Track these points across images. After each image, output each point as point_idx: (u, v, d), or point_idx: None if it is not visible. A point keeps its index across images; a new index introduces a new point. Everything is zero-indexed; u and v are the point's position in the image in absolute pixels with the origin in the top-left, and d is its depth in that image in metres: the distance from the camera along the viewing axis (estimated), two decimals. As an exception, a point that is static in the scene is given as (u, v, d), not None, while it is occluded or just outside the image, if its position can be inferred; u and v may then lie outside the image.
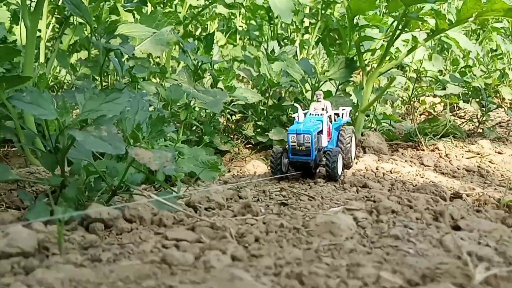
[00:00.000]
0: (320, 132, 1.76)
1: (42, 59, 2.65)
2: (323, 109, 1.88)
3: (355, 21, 2.35)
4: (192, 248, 0.94)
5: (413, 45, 2.28)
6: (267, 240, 1.01)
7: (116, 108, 1.29)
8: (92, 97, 1.30)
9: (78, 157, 1.35)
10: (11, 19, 2.78)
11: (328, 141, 1.82)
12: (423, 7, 2.14)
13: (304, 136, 1.67)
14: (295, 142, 1.68)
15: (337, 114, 1.94)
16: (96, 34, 2.08)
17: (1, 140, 1.91)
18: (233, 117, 3.07)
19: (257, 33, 4.26)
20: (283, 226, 1.09)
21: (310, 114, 1.86)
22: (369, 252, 0.96)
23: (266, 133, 2.55)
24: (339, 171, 1.70)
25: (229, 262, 0.86)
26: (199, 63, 2.31)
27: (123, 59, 2.26)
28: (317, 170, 1.77)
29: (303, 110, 1.93)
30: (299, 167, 1.73)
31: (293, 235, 1.04)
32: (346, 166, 1.83)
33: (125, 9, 3.23)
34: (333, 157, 1.66)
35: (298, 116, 1.85)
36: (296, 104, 1.92)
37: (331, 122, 1.88)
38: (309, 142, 1.65)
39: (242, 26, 4.51)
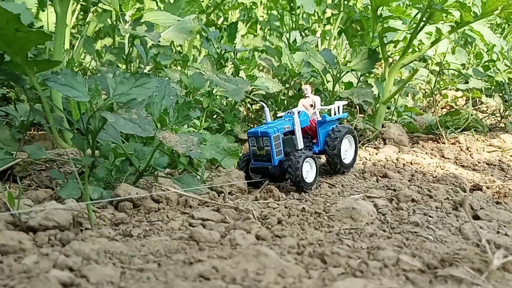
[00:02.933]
0: (291, 133, 1.52)
1: (67, 45, 2.72)
2: (311, 105, 1.65)
3: (378, 12, 2.34)
4: (218, 227, 0.98)
5: (437, 37, 2.27)
6: (289, 222, 1.04)
7: (145, 92, 1.33)
8: (123, 81, 1.35)
9: (107, 139, 1.40)
10: (37, 5, 2.85)
11: (314, 142, 1.60)
12: (448, -1, 2.13)
13: (262, 138, 1.44)
14: (255, 146, 1.47)
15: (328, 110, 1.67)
16: (122, 21, 2.12)
17: (30, 123, 1.97)
18: (253, 107, 3.09)
19: (277, 23, 4.26)
20: (305, 210, 1.12)
21: (289, 113, 1.60)
22: (389, 236, 0.98)
23: (286, 123, 2.58)
24: (309, 178, 1.41)
25: (253, 241, 0.90)
26: (222, 52, 2.33)
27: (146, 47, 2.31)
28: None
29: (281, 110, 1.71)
30: (264, 175, 1.48)
31: (315, 219, 1.07)
32: (337, 170, 1.59)
33: (149, -3, 3.26)
34: (296, 162, 1.38)
35: (266, 117, 1.59)
36: (262, 103, 1.67)
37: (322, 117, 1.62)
38: (269, 146, 1.43)
39: (263, 16, 4.52)
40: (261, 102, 1.75)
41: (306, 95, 1.67)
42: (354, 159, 1.65)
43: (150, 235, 0.93)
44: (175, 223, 1.00)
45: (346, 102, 1.72)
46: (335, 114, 1.66)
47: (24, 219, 0.91)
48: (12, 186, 1.42)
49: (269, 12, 4.52)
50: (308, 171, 1.43)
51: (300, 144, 1.51)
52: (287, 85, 2.86)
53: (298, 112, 1.58)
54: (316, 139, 1.60)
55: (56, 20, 1.88)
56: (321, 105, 1.68)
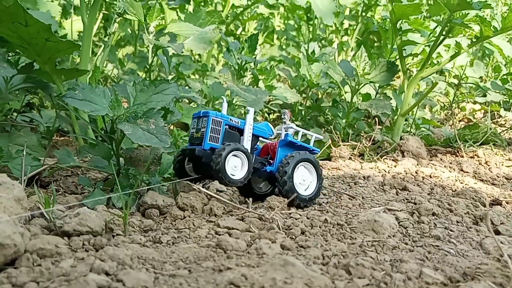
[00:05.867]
0: (238, 130, 1.37)
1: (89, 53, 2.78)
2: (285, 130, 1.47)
3: (398, 25, 2.37)
4: (243, 236, 1.00)
5: (456, 51, 2.28)
6: (313, 233, 1.07)
7: (165, 99, 1.35)
8: (143, 89, 1.38)
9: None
10: (61, 13, 2.93)
11: (271, 162, 1.41)
12: (468, 13, 2.14)
13: (202, 119, 1.31)
14: (194, 128, 1.35)
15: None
16: (146, 31, 2.16)
17: (56, 129, 2.02)
18: (270, 116, 3.13)
19: (294, 33, 4.31)
20: (327, 221, 1.14)
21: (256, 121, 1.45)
22: (411, 249, 1.00)
23: (303, 133, 2.61)
24: (237, 175, 1.27)
25: (279, 250, 0.93)
26: (243, 62, 2.37)
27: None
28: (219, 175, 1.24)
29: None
30: (191, 160, 1.34)
31: (337, 230, 1.10)
32: (291, 201, 1.33)
33: (169, 7, 3.34)
34: (220, 150, 1.24)
35: (223, 110, 1.42)
36: (223, 97, 1.50)
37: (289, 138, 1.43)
38: (205, 127, 1.28)
39: (279, 26, 4.56)
40: (222, 97, 1.49)
41: (284, 120, 1.49)
42: (316, 193, 1.39)
43: (179, 242, 0.96)
44: (202, 231, 1.03)
45: (321, 137, 1.57)
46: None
47: (59, 224, 0.95)
48: (39, 192, 1.47)
49: (285, 22, 4.57)
50: (237, 167, 1.28)
51: (246, 143, 1.35)
52: (304, 96, 2.89)
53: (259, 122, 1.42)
54: (273, 159, 1.41)
55: (83, 30, 1.93)
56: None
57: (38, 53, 1.58)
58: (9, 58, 1.62)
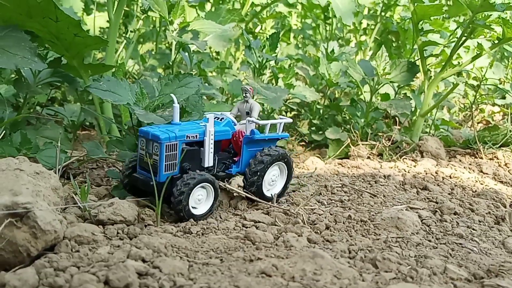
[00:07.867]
0: (200, 144, 1.19)
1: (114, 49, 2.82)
2: (247, 113, 1.31)
3: (419, 25, 2.37)
4: (270, 229, 1.03)
5: (478, 52, 2.28)
6: (337, 228, 1.09)
7: (189, 92, 1.39)
8: (167, 83, 1.42)
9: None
10: (83, 9, 2.98)
11: (235, 161, 1.27)
12: (491, 14, 2.14)
13: (153, 143, 1.10)
14: (144, 149, 1.13)
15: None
16: (171, 29, 2.20)
17: (81, 123, 2.07)
18: (288, 115, 3.14)
19: (310, 32, 4.31)
20: (351, 217, 1.16)
21: (216, 118, 1.29)
22: (435, 246, 1.02)
23: (321, 132, 2.63)
24: (200, 209, 1.12)
25: (306, 244, 0.95)
26: (264, 60, 2.39)
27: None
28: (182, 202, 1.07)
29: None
30: (146, 191, 1.13)
31: (361, 227, 1.12)
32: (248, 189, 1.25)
33: (189, 5, 3.37)
34: (183, 185, 1.07)
35: (174, 116, 1.21)
36: (172, 96, 1.23)
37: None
38: (158, 155, 1.09)
39: (296, 25, 4.57)
40: (171, 95, 1.24)
41: (246, 99, 1.33)
42: (282, 192, 1.32)
43: (208, 234, 0.99)
44: (230, 223, 1.06)
45: (290, 120, 1.42)
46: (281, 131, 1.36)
47: (94, 213, 0.99)
48: (67, 183, 1.51)
49: (302, 21, 4.58)
50: (201, 200, 1.12)
51: (208, 161, 1.18)
52: (321, 95, 2.90)
53: (221, 119, 1.27)
54: (239, 157, 1.26)
55: (110, 26, 1.98)
56: (259, 116, 1.32)
57: (66, 48, 1.62)
58: (39, 52, 1.66)
